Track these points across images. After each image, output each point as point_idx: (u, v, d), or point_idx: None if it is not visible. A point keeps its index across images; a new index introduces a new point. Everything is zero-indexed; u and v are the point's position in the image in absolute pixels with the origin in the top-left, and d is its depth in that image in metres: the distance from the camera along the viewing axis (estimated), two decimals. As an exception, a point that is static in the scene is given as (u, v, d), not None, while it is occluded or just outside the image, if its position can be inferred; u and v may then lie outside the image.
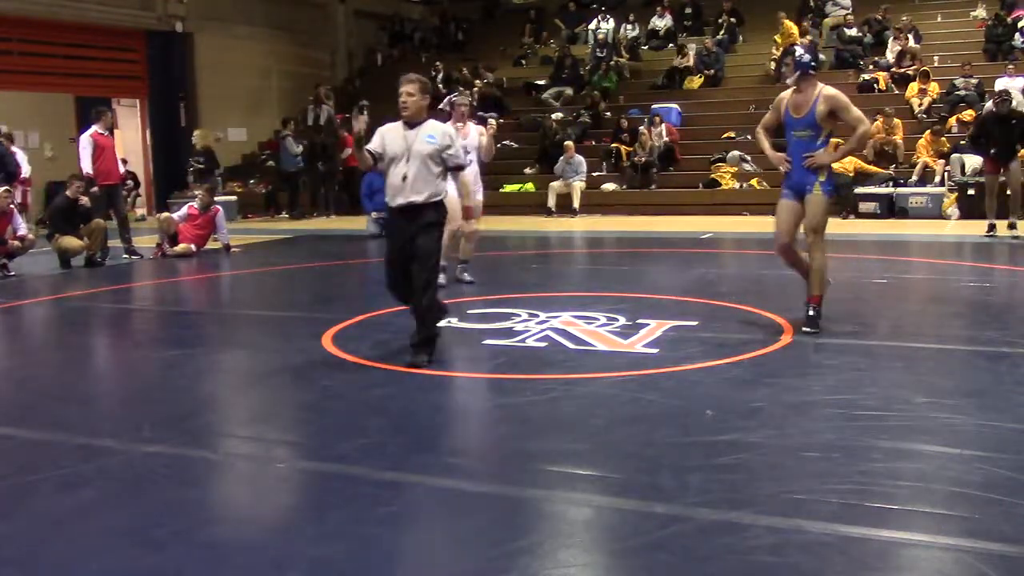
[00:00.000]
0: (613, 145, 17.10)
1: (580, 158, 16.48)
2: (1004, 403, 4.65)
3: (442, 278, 8.15)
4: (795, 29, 18.39)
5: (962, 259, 10.85)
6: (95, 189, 11.35)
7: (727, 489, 3.57)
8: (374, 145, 5.74)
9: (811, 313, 6.24)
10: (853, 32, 18.64)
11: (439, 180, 5.66)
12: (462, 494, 3.60)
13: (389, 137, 5.72)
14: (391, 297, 5.88)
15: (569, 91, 19.42)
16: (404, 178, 5.55)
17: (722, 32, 19.75)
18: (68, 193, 11.08)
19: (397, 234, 5.69)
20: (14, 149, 13.56)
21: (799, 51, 6.23)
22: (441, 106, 8.86)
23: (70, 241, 10.89)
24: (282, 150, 17.38)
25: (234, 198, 17.47)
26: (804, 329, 6.19)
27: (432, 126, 5.63)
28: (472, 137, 8.46)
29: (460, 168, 5.75)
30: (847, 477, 3.65)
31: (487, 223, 15.44)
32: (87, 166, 11.31)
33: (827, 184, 6.13)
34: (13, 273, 10.29)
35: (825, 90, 6.04)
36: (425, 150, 5.55)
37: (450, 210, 8.60)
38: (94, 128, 11.59)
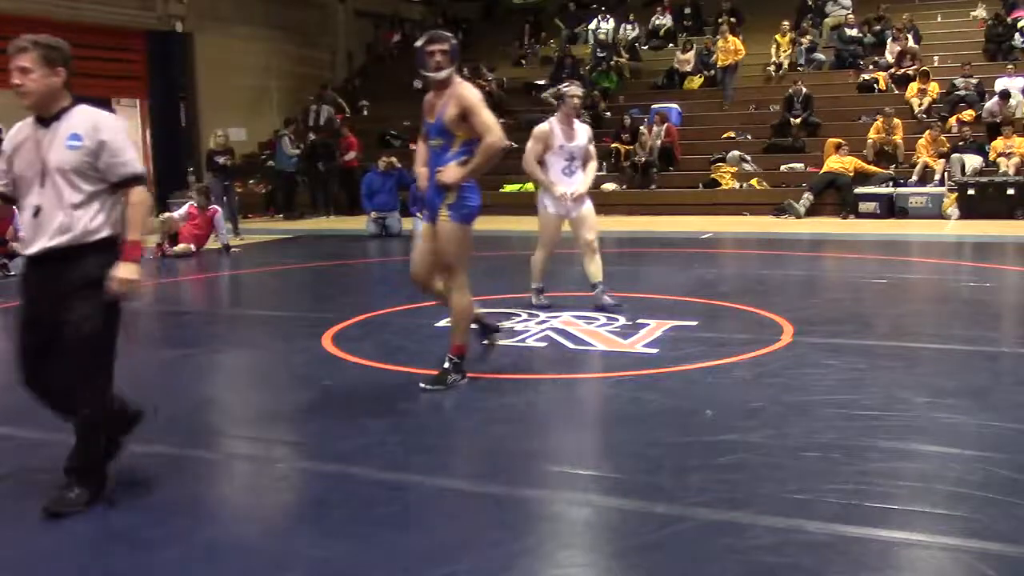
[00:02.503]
0: (613, 145, 17.09)
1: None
2: (1004, 403, 4.65)
3: (542, 298, 7.34)
4: (741, 45, 18.22)
5: (962, 259, 10.86)
6: None
7: (727, 489, 3.57)
8: None
9: (445, 365, 5.12)
10: (853, 32, 18.64)
11: (101, 205, 3.52)
12: (462, 494, 3.60)
13: (16, 145, 3.58)
14: (31, 395, 3.75)
15: (572, 91, 19.40)
16: (37, 212, 3.52)
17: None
18: None
19: (36, 299, 3.58)
20: None
21: (453, 39, 5.07)
22: (545, 95, 7.73)
23: None
24: (278, 149, 17.38)
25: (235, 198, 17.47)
26: (423, 386, 5.06)
27: (79, 118, 3.57)
28: (581, 139, 7.10)
29: (137, 182, 3.54)
30: (847, 477, 3.65)
31: (488, 223, 15.47)
32: None
33: (458, 207, 4.93)
34: (13, 273, 10.29)
35: (459, 88, 4.90)
36: (66, 161, 3.47)
37: (544, 226, 7.19)
38: None
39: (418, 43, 4.99)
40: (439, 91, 4.93)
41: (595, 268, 7.16)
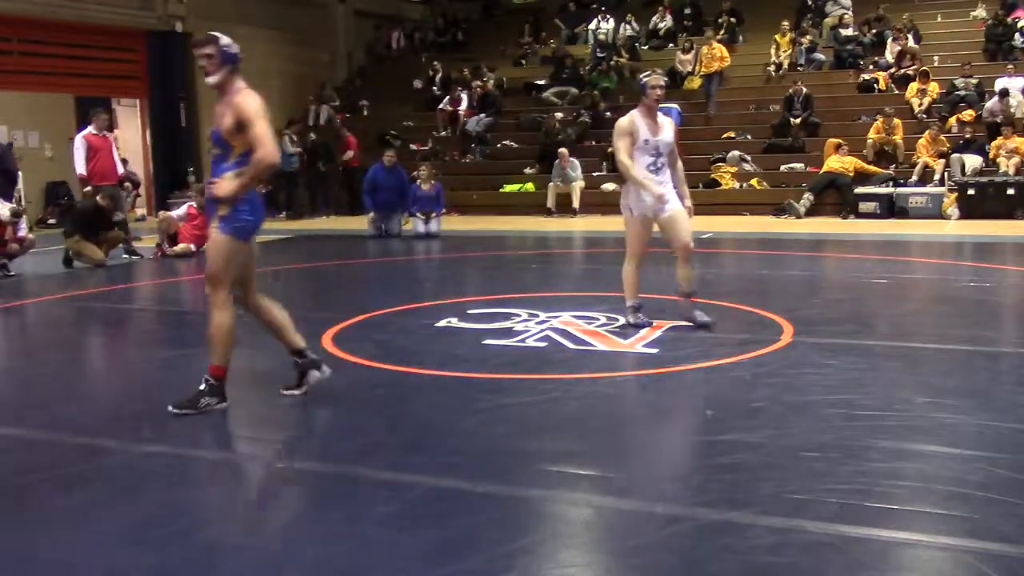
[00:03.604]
0: (609, 150, 17.08)
1: (575, 161, 16.40)
2: (1004, 403, 4.66)
3: (640, 317, 6.53)
4: (726, 52, 18.20)
5: (962, 259, 10.86)
6: (87, 189, 11.48)
7: (727, 489, 3.57)
8: None
9: (200, 387, 4.76)
10: (849, 32, 18.64)
11: None
12: (462, 494, 3.60)
13: None
14: None
15: (575, 91, 19.40)
16: None
17: (722, 32, 19.75)
18: (100, 200, 11.09)
19: None
20: None
21: (224, 39, 4.73)
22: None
23: (91, 250, 10.87)
24: (279, 150, 17.38)
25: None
26: (171, 409, 4.72)
27: None
28: (666, 133, 6.33)
29: None
30: (847, 477, 3.65)
31: (487, 223, 15.51)
32: (80, 167, 11.41)
33: (230, 220, 4.61)
34: (13, 273, 10.29)
35: (236, 96, 4.58)
36: None
37: (630, 232, 6.42)
38: (88, 129, 11.67)
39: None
40: (221, 98, 4.64)
41: (688, 276, 6.44)
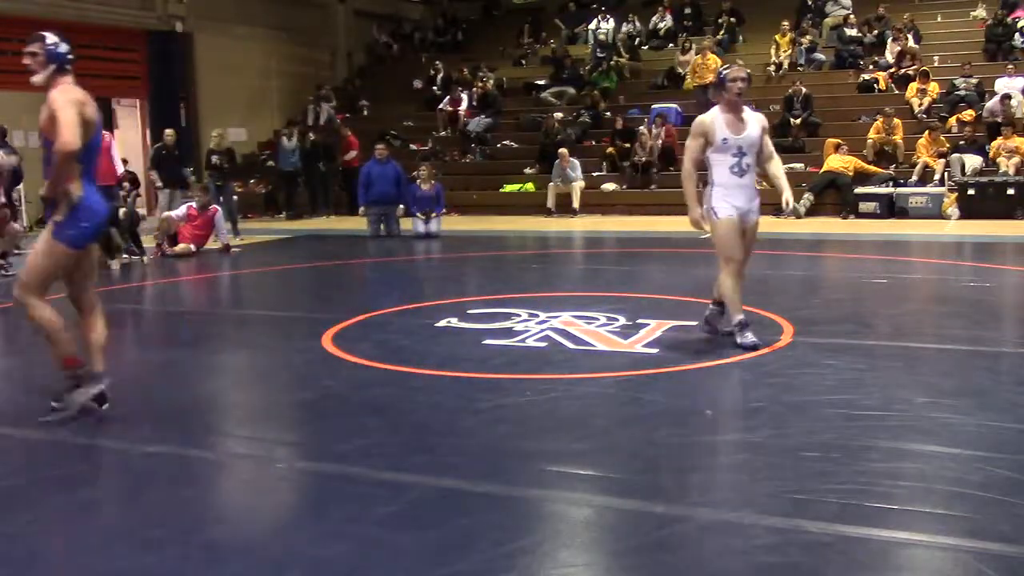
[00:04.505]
0: (608, 150, 17.10)
1: (575, 161, 16.38)
2: (1004, 403, 4.66)
3: (748, 336, 5.77)
4: (720, 63, 18.05)
5: (962, 259, 10.86)
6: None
7: (727, 489, 3.57)
8: None
9: (67, 383, 4.62)
10: (853, 32, 18.63)
11: None
12: (462, 494, 3.60)
13: None
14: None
15: (572, 91, 19.41)
16: None
17: (722, 32, 19.73)
18: (122, 215, 11.10)
19: None
20: None
21: (51, 38, 4.64)
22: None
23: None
24: (279, 150, 17.38)
25: (234, 198, 17.45)
26: (53, 405, 4.61)
27: None
28: (751, 129, 5.75)
29: None
30: (847, 477, 3.65)
31: (487, 223, 15.51)
32: None
33: (63, 226, 4.43)
34: (13, 273, 10.29)
35: (52, 91, 4.49)
36: None
37: (720, 236, 5.79)
38: None
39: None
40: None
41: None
